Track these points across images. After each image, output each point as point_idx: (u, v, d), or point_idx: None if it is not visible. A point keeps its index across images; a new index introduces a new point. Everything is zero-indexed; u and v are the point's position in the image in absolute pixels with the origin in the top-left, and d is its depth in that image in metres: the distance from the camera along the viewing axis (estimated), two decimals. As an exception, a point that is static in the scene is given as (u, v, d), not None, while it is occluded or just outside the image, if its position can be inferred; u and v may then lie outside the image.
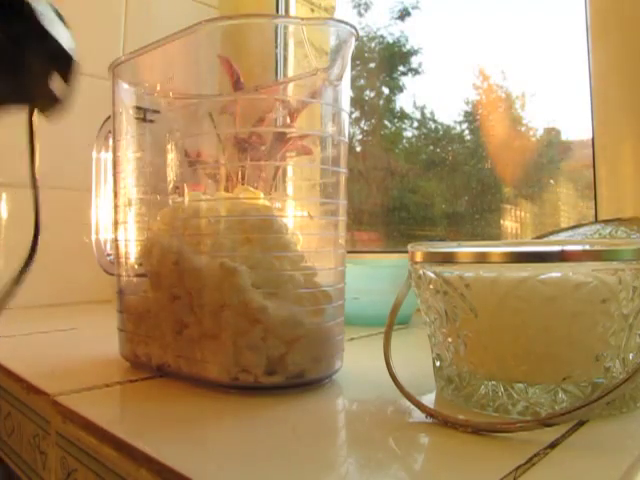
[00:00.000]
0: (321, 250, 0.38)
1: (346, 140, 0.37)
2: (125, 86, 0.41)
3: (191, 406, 0.32)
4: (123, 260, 0.41)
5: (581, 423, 0.27)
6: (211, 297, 0.34)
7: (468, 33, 0.80)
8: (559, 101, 0.71)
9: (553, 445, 0.25)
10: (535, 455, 0.23)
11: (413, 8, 0.90)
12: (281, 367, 0.33)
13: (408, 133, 0.92)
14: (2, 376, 0.41)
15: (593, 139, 0.61)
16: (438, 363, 0.32)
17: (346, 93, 0.37)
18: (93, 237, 0.49)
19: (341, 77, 0.36)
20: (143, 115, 0.40)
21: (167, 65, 0.39)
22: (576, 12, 0.63)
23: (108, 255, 0.49)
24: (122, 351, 0.41)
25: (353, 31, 0.35)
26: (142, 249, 0.39)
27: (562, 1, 0.69)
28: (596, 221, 0.57)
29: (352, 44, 0.35)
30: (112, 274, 0.46)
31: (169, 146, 0.38)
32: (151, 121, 0.40)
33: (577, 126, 0.68)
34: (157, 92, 0.39)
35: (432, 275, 0.30)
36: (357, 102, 0.95)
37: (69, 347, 0.51)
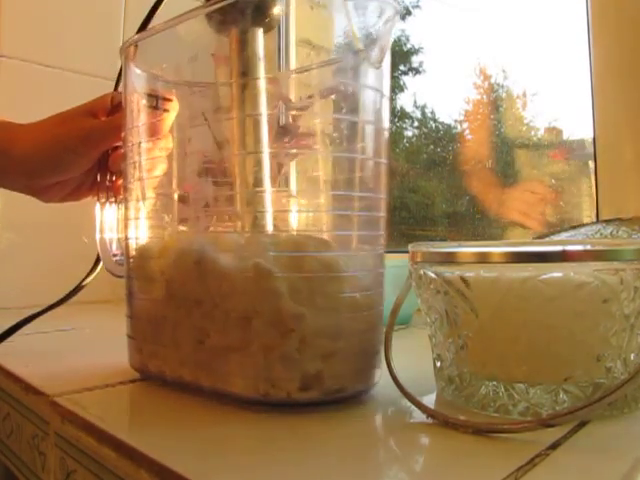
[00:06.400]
0: (360, 250, 0.33)
1: (387, 128, 0.34)
2: (137, 71, 0.38)
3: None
4: (134, 260, 0.38)
5: (582, 424, 0.27)
6: (239, 303, 0.30)
7: (469, 32, 0.79)
8: (561, 101, 0.71)
9: (554, 446, 0.24)
10: (536, 456, 0.23)
11: (414, 7, 0.90)
12: (317, 381, 0.30)
13: (409, 132, 0.92)
14: (2, 376, 0.41)
15: (594, 139, 0.61)
16: (439, 363, 0.32)
17: (387, 77, 0.33)
18: (97, 236, 0.47)
19: (382, 59, 0.32)
20: (155, 103, 0.37)
21: (187, 44, 0.36)
22: (577, 12, 0.63)
23: (114, 255, 0.47)
24: (131, 361, 0.38)
25: (398, 8, 0.31)
26: (157, 247, 0.36)
27: (563, 1, 0.69)
28: (597, 221, 0.56)
29: (395, 22, 0.32)
30: (119, 276, 0.44)
31: (191, 133, 0.35)
32: (166, 110, 0.37)
33: (579, 126, 0.68)
34: (171, 79, 0.37)
35: (433, 275, 0.30)
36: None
37: (69, 347, 0.51)
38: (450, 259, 0.29)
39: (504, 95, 0.79)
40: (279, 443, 0.26)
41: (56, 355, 0.47)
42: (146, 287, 0.36)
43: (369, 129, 0.33)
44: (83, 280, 0.48)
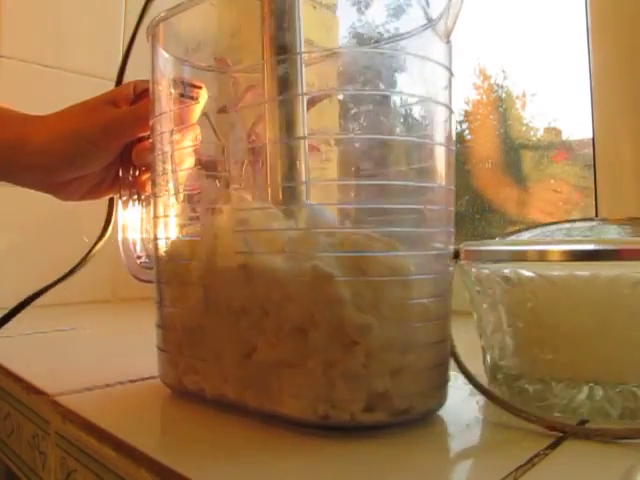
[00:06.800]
0: (430, 250, 0.29)
1: (454, 113, 0.30)
2: (165, 55, 0.35)
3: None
4: (164, 263, 0.34)
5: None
6: (294, 311, 0.26)
7: (468, 32, 0.79)
8: (560, 101, 0.71)
9: (553, 446, 0.24)
10: (535, 455, 0.23)
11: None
12: (384, 401, 0.26)
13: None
14: (2, 376, 0.41)
15: (593, 139, 0.61)
16: (508, 372, 0.30)
17: (453, 53, 0.30)
18: (119, 237, 0.44)
19: (450, 33, 0.29)
20: (183, 90, 0.34)
21: (227, 20, 0.33)
22: (576, 12, 0.63)
23: (138, 257, 0.44)
24: (163, 376, 0.34)
25: None
26: (191, 248, 0.32)
27: (563, 1, 0.69)
28: (596, 219, 0.56)
29: None
30: (144, 281, 0.41)
31: (231, 120, 0.32)
32: (192, 97, 0.34)
33: (578, 126, 0.68)
34: (205, 62, 0.34)
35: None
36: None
37: (69, 347, 0.51)
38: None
39: (504, 95, 0.79)
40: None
41: (56, 355, 0.47)
42: (179, 293, 0.32)
43: (440, 111, 0.29)
44: (93, 246, 0.46)
